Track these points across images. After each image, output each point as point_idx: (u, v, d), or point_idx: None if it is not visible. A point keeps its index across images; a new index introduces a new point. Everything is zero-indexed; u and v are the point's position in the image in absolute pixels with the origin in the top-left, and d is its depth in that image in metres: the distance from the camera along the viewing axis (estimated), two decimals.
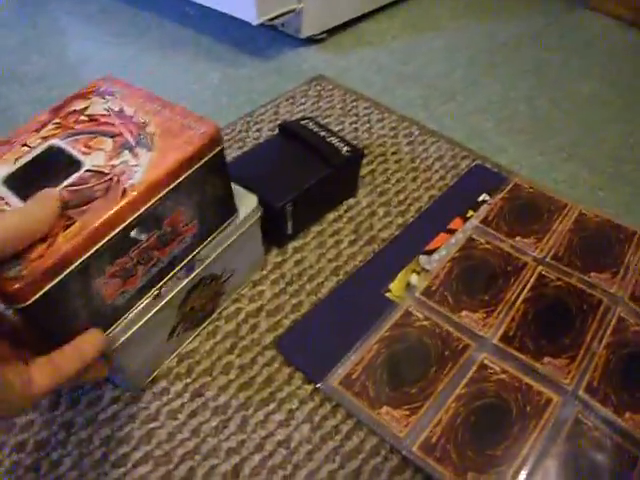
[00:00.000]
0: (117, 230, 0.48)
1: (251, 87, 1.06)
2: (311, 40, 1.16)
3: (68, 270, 0.46)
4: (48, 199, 0.44)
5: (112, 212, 0.48)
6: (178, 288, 0.59)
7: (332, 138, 0.76)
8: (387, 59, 1.11)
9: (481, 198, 0.80)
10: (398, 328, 0.65)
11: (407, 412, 0.60)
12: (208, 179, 0.56)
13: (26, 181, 0.50)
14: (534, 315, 0.67)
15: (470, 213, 0.78)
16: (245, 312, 0.70)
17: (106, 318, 0.53)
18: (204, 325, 0.69)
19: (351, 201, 0.81)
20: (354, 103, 0.97)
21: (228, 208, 0.63)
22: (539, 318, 0.66)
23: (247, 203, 0.65)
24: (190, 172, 0.53)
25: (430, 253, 0.73)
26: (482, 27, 1.25)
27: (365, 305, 0.68)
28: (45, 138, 0.54)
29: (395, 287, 0.69)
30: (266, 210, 0.66)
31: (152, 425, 0.61)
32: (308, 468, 0.58)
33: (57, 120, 0.56)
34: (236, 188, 0.64)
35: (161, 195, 0.51)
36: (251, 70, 1.11)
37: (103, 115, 0.57)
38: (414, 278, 0.70)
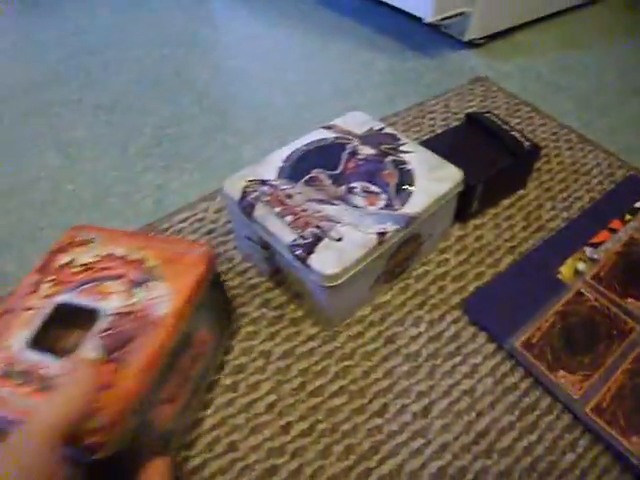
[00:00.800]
0: (163, 360, 0.52)
1: (416, 80, 1.14)
2: (470, 43, 1.23)
3: (134, 409, 0.48)
4: (85, 373, 0.44)
5: (158, 345, 0.51)
6: (396, 239, 0.67)
7: (514, 132, 0.85)
8: (542, 69, 1.18)
9: (638, 205, 0.87)
10: (571, 305, 0.73)
11: (581, 377, 0.66)
12: (215, 294, 0.62)
13: (51, 340, 0.53)
14: None
15: (628, 217, 0.85)
16: (433, 275, 0.78)
17: (158, 446, 0.55)
18: (396, 281, 0.76)
19: (521, 192, 0.89)
20: (517, 106, 1.05)
21: (230, 317, 0.71)
22: None
23: (453, 175, 0.72)
24: (203, 291, 0.57)
25: (594, 246, 0.81)
26: (631, 46, 1.30)
27: (539, 282, 0.76)
28: (47, 297, 0.56)
29: (565, 271, 0.77)
30: None
31: (347, 363, 0.69)
32: (490, 416, 0.65)
33: (51, 277, 0.57)
34: (443, 161, 0.73)
35: (188, 318, 0.55)
36: (415, 64, 1.19)
37: (96, 262, 0.59)
38: (582, 265, 0.78)
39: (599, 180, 0.92)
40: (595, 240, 0.81)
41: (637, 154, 0.98)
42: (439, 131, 0.93)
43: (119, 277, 0.57)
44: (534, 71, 1.17)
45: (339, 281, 0.62)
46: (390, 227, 0.65)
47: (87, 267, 0.58)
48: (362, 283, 0.68)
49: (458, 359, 0.69)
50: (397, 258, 0.70)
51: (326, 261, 0.62)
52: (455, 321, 0.73)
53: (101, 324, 0.53)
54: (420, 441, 0.63)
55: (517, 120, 1.01)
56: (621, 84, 1.17)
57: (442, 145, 0.80)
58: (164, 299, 0.55)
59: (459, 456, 0.62)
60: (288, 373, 0.68)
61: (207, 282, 0.59)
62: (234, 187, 0.69)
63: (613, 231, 0.83)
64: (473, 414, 0.65)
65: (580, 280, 0.75)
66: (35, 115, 1.11)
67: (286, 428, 0.64)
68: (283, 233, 0.65)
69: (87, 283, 0.56)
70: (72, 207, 0.91)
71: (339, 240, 0.63)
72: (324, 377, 0.68)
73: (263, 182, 0.69)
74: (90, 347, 0.52)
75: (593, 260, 0.78)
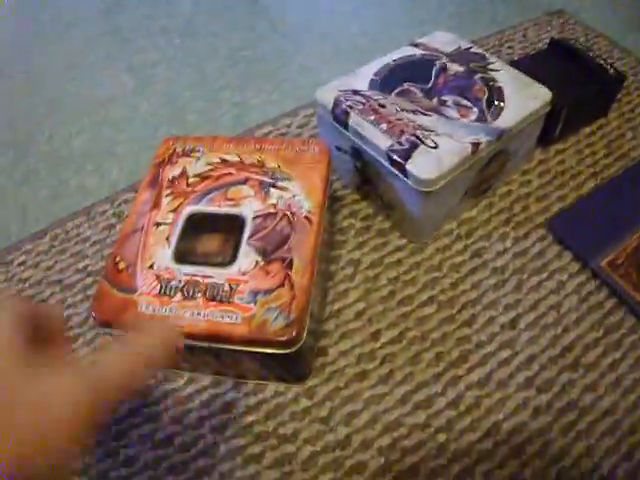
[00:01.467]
0: (318, 250, 0.54)
1: (493, 10, 1.12)
2: None
3: (312, 298, 0.51)
4: (165, 331, 0.39)
5: (313, 238, 0.53)
6: (489, 149, 0.66)
7: (599, 59, 0.83)
8: (618, 5, 1.15)
9: None
10: None
11: None
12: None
13: (195, 251, 0.53)
14: None
15: None
16: (516, 194, 0.78)
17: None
18: (481, 198, 0.76)
19: (602, 120, 0.88)
20: (595, 39, 1.03)
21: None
22: None
23: (542, 94, 0.72)
24: (327, 187, 0.59)
25: None
26: None
27: (623, 206, 0.75)
28: (174, 210, 0.57)
29: None
30: None
31: (435, 274, 0.70)
32: (575, 332, 0.65)
33: (168, 191, 0.58)
34: (531, 80, 0.72)
35: (324, 211, 0.57)
36: None
37: (211, 170, 0.60)
38: None
39: None
40: None
41: None
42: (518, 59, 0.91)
43: (245, 181, 0.58)
44: (610, 6, 1.14)
45: (435, 187, 0.62)
46: (483, 138, 0.65)
47: (204, 176, 0.59)
48: (453, 194, 0.68)
49: (544, 275, 0.69)
50: (485, 173, 0.70)
51: (423, 166, 0.62)
52: (540, 239, 0.73)
53: (251, 228, 0.54)
54: (508, 352, 0.63)
55: (596, 53, 0.98)
56: None
57: (526, 68, 0.79)
58: (301, 197, 0.56)
59: (546, 368, 0.62)
60: (377, 282, 0.69)
61: (329, 178, 0.60)
62: (326, 96, 0.70)
63: None
64: (559, 329, 0.65)
65: None
66: (105, 39, 1.12)
67: (376, 335, 0.65)
68: (379, 140, 0.65)
69: (213, 191, 0.57)
70: (149, 124, 0.92)
71: (435, 147, 0.63)
72: (413, 287, 0.68)
73: (355, 92, 0.69)
74: (247, 251, 0.53)
75: None
